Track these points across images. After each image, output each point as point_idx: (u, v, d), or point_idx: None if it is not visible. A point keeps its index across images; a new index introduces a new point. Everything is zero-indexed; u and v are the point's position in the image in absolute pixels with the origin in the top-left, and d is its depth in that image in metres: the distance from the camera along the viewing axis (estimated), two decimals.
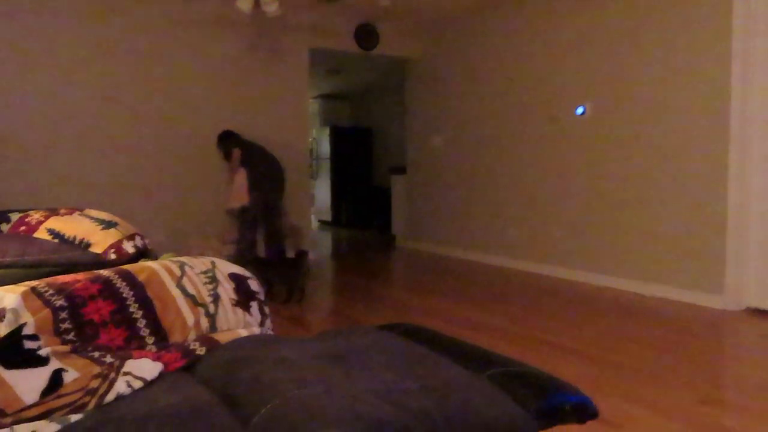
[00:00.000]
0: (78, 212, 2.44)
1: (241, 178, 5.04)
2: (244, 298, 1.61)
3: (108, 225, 2.27)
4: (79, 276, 1.50)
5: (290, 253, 5.60)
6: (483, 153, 5.96)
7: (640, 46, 4.48)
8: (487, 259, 5.92)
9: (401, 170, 7.39)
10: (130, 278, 1.51)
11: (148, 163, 5.28)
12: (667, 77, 4.31)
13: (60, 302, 1.33)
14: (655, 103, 4.39)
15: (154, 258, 2.24)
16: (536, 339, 3.30)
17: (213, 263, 1.69)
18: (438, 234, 6.61)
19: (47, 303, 1.33)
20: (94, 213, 2.45)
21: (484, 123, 5.94)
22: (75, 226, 2.31)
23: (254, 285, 1.72)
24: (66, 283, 1.44)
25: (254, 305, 1.64)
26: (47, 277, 1.71)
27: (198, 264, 1.65)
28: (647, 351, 3.08)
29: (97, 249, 2.23)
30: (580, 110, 4.93)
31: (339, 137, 9.96)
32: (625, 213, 4.63)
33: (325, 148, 10.08)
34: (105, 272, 1.51)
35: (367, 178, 10.12)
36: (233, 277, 1.63)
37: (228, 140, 5.17)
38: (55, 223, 2.34)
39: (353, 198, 9.74)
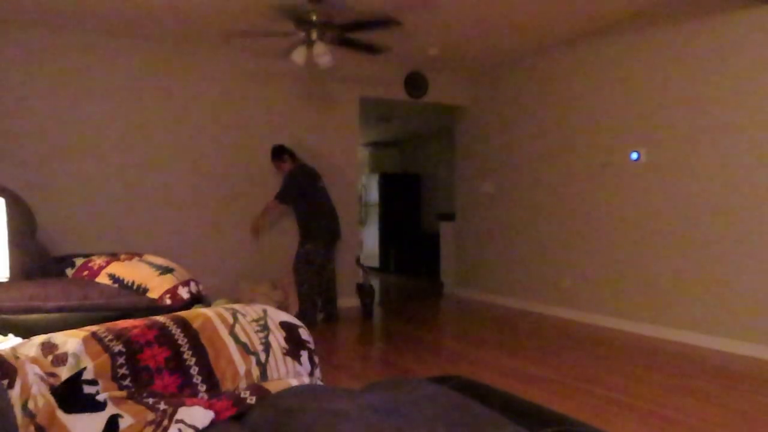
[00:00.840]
0: (138, 258, 2.53)
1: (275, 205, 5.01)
2: (294, 347, 1.62)
3: (165, 270, 2.34)
4: (137, 321, 1.54)
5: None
6: (534, 199, 5.90)
7: (700, 91, 4.38)
8: (539, 307, 5.77)
9: (450, 217, 7.37)
10: (184, 325, 1.55)
11: (207, 210, 5.44)
12: (730, 123, 4.18)
13: (118, 348, 1.37)
14: (718, 150, 4.26)
15: (208, 304, 2.29)
16: (592, 393, 3.17)
17: (264, 311, 1.72)
18: (488, 281, 6.51)
19: (106, 348, 1.36)
20: (152, 258, 2.54)
21: (536, 168, 5.89)
22: (134, 271, 2.39)
23: (305, 334, 1.73)
24: (124, 329, 1.49)
25: (304, 354, 1.64)
26: (107, 321, 1.76)
27: (250, 312, 1.67)
28: (707, 407, 2.91)
29: (153, 294, 2.29)
30: (634, 155, 4.85)
31: (388, 183, 10.06)
32: (685, 263, 4.46)
33: (374, 194, 10.19)
34: (161, 318, 1.55)
35: (415, 225, 10.14)
36: (284, 325, 1.65)
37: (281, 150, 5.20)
38: (115, 268, 2.43)
39: (401, 244, 9.74)
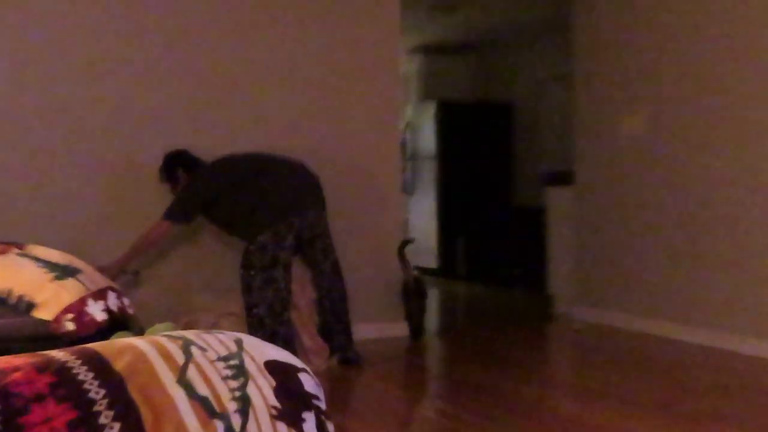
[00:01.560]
0: (15, 250, 2.57)
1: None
2: (292, 405, 1.63)
3: (63, 273, 2.38)
4: (18, 360, 1.57)
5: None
6: (715, 146, 5.80)
7: None
8: (721, 341, 5.70)
9: (564, 179, 7.31)
10: (101, 366, 1.57)
11: (138, 179, 5.56)
12: None
13: None
14: None
15: (139, 331, 2.32)
16: None
17: (239, 343, 1.74)
18: (632, 296, 6.45)
19: None
20: (42, 252, 2.58)
21: (722, 87, 5.78)
22: (8, 273, 2.43)
23: (309, 382, 1.74)
24: None
25: (309, 420, 1.65)
26: None
27: (214, 344, 1.70)
28: None
29: (44, 313, 2.33)
30: None
31: (452, 120, 10.03)
32: None
33: (428, 138, 10.16)
34: (59, 354, 1.58)
35: (502, 194, 10.10)
36: (274, 367, 1.66)
37: (172, 163, 5.42)
38: None
39: (478, 229, 9.72)
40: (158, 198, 5.44)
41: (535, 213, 9.00)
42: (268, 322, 5.05)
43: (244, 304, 5.15)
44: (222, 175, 5.27)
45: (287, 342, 5.06)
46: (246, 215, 5.22)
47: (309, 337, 5.33)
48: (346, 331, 5.45)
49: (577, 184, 7.06)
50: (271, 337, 5.05)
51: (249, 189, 5.22)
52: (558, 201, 7.37)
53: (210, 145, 5.67)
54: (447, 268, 9.94)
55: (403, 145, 10.03)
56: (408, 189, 10.30)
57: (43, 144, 5.35)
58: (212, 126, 5.77)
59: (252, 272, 5.10)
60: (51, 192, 5.37)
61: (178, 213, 5.15)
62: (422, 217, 10.25)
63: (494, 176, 10.12)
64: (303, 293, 5.39)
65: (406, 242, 6.24)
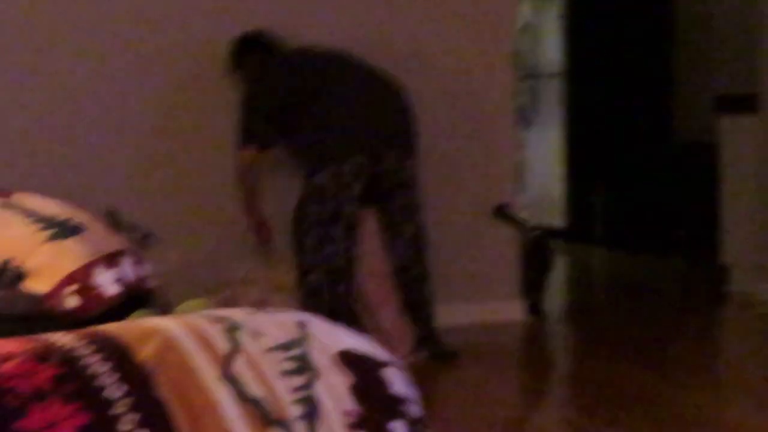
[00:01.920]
0: (0, 198, 2.61)
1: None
2: (374, 410, 1.66)
3: (63, 230, 2.42)
4: (9, 345, 1.62)
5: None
6: None
7: None
8: None
9: (744, 105, 7.21)
10: (120, 356, 1.61)
11: (165, 122, 5.74)
12: None
13: None
14: None
15: (164, 308, 2.36)
16: None
17: (303, 326, 1.77)
18: None
19: None
20: (34, 202, 2.61)
21: None
22: None
23: (397, 380, 1.77)
24: None
25: (398, 430, 1.69)
26: None
27: (269, 326, 1.73)
28: None
29: (38, 284, 2.37)
30: None
31: (587, 22, 9.90)
32: None
33: (551, 49, 10.07)
34: (64, 338, 1.63)
35: (656, 124, 9.98)
36: (350, 359, 1.69)
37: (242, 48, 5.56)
38: None
39: (622, 175, 9.63)
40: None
41: (703, 151, 8.89)
42: (327, 296, 5.12)
43: (296, 269, 5.21)
44: (284, 80, 5.35)
45: (349, 322, 5.11)
46: (303, 145, 5.24)
47: (389, 318, 5.34)
48: (426, 314, 5.46)
49: (763, 112, 6.96)
50: (332, 315, 5.11)
51: (313, 104, 5.27)
52: (735, 135, 7.28)
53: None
54: (578, 228, 9.89)
55: (517, 58, 9.94)
56: (523, 120, 10.24)
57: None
58: None
59: (305, 226, 5.16)
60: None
61: (248, 136, 5.28)
62: (543, 158, 10.20)
63: (645, 100, 9.96)
64: (382, 257, 5.40)
65: (502, 207, 6.17)
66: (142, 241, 5.45)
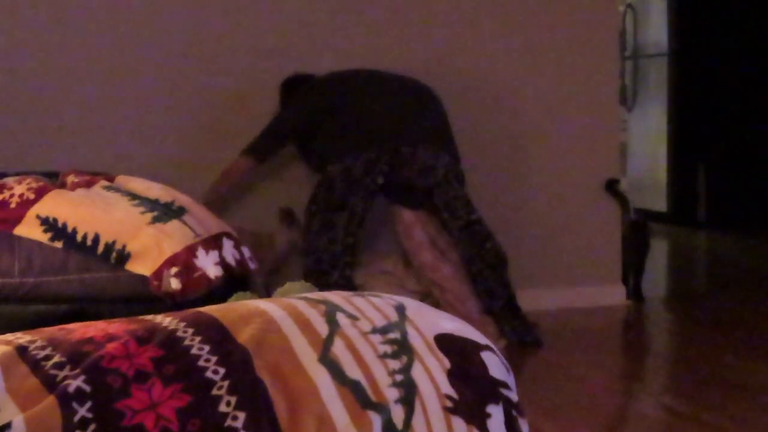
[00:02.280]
0: (103, 181, 2.65)
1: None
2: (472, 394, 1.66)
3: (166, 213, 2.45)
4: (111, 326, 1.64)
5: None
6: None
7: None
8: None
9: None
10: (219, 338, 1.63)
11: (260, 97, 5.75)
12: None
13: (76, 383, 1.46)
14: None
15: (264, 291, 2.38)
16: None
17: (401, 309, 1.77)
18: None
19: (50, 383, 1.47)
20: (138, 185, 2.65)
21: None
22: (95, 212, 2.52)
23: (495, 364, 1.77)
24: (84, 342, 1.59)
25: (496, 414, 1.68)
26: (41, 324, 1.91)
27: (368, 310, 1.73)
28: None
29: (141, 266, 2.39)
30: None
31: (693, 2, 9.76)
32: None
33: (657, 28, 9.95)
34: (164, 320, 1.65)
35: (766, 106, 9.81)
36: (448, 343, 1.69)
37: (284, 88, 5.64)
38: (54, 204, 2.57)
39: (728, 155, 9.49)
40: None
41: None
42: (319, 280, 5.15)
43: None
44: (309, 100, 5.43)
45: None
46: (325, 141, 5.39)
47: (472, 311, 5.35)
48: (505, 308, 5.42)
49: None
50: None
51: (336, 114, 5.38)
52: None
53: None
54: (682, 211, 9.75)
55: (622, 37, 9.88)
56: (627, 100, 10.15)
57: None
58: None
59: (312, 209, 5.29)
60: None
61: (251, 146, 5.37)
62: (646, 139, 10.07)
63: (753, 81, 9.80)
64: (443, 260, 5.41)
65: (613, 182, 6.14)
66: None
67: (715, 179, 9.58)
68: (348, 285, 5.25)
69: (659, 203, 9.86)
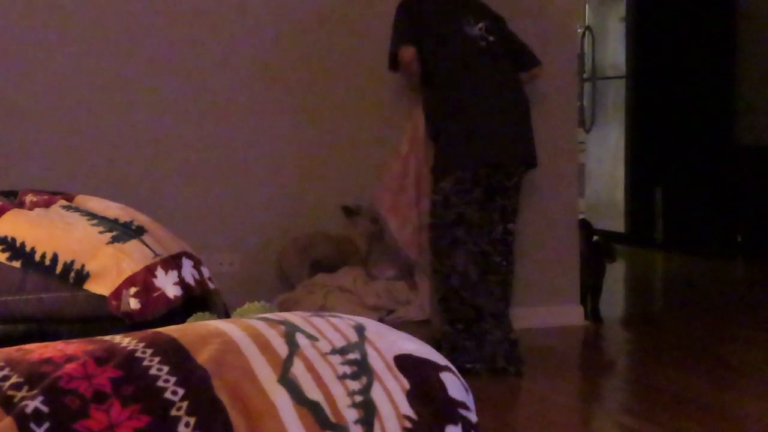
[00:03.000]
0: (62, 200, 2.63)
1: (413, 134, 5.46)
2: (431, 415, 1.66)
3: (125, 232, 2.44)
4: (69, 346, 1.64)
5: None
6: None
7: None
8: None
9: None
10: (179, 358, 1.63)
11: (209, 114, 5.79)
12: None
13: (34, 404, 1.46)
14: None
15: (223, 311, 2.38)
16: None
17: (360, 330, 1.78)
18: None
19: (7, 404, 1.46)
20: (96, 204, 2.62)
21: None
22: (54, 232, 2.50)
23: (454, 385, 1.78)
24: (42, 362, 1.59)
25: None
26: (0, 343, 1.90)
27: (327, 331, 1.74)
28: None
29: (100, 286, 2.37)
30: None
31: (650, 23, 9.83)
32: None
33: (615, 51, 10.01)
34: (123, 340, 1.65)
35: (720, 126, 9.90)
36: (407, 364, 1.70)
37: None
38: (12, 224, 2.55)
39: (684, 177, 9.55)
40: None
41: (767, 154, 8.84)
42: (456, 299, 5.20)
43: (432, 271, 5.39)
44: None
45: (470, 321, 5.19)
46: (431, 124, 5.44)
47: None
48: (505, 314, 5.40)
49: None
50: (459, 318, 5.22)
51: (438, 69, 5.35)
52: None
53: None
54: (639, 231, 9.81)
55: (579, 58, 9.91)
56: (585, 122, 10.20)
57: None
58: None
59: (436, 231, 5.31)
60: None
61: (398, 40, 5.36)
62: (604, 161, 10.13)
63: (708, 103, 9.88)
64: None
65: (588, 227, 6.24)
66: (373, 225, 5.72)
67: (672, 200, 9.65)
68: (484, 300, 5.26)
69: (617, 224, 9.92)
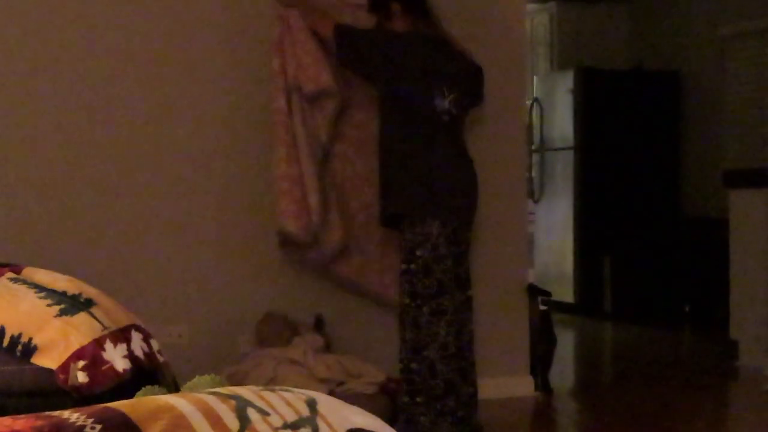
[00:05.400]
0: (10, 273, 2.60)
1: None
2: None
3: (73, 305, 2.42)
4: (16, 422, 1.63)
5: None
6: None
7: None
8: None
9: (755, 180, 7.20)
10: None
11: (166, 187, 5.80)
12: None
13: None
14: None
15: (173, 384, 2.36)
16: None
17: (312, 404, 1.77)
18: None
19: None
20: (44, 276, 2.60)
21: None
22: (1, 304, 2.49)
23: None
24: None
25: None
26: None
27: (278, 405, 1.73)
28: None
29: (47, 359, 2.35)
30: None
31: (598, 95, 9.92)
32: None
33: (562, 122, 10.08)
34: (72, 416, 1.63)
35: (666, 199, 9.99)
36: None
37: None
38: None
39: (631, 248, 9.60)
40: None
41: (713, 226, 8.89)
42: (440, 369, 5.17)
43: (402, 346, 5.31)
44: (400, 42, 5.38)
45: (445, 396, 5.17)
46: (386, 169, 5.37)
47: None
48: (473, 381, 5.41)
49: None
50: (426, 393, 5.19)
51: (401, 110, 5.32)
52: (746, 210, 7.26)
53: None
54: (587, 302, 9.84)
55: (527, 131, 9.96)
56: (534, 193, 10.25)
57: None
58: None
59: (412, 295, 5.23)
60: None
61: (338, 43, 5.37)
62: (553, 231, 10.17)
63: (655, 175, 9.96)
64: None
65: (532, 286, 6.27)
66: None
67: (620, 271, 9.70)
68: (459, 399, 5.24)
69: (566, 294, 9.94)
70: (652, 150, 9.99)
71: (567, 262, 9.96)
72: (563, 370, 7.11)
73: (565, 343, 7.99)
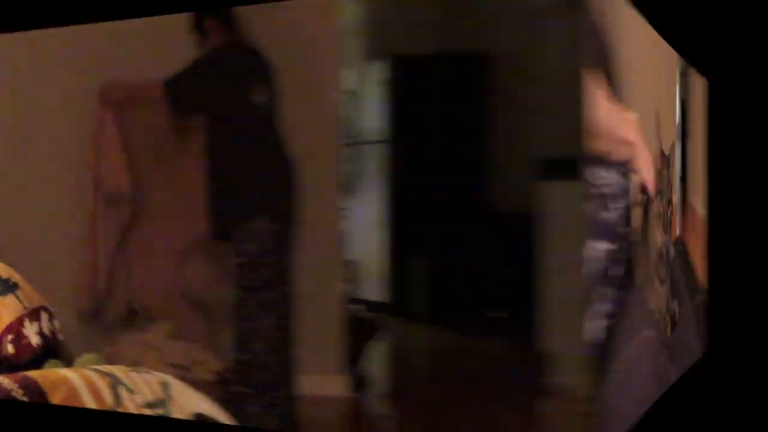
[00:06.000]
0: None
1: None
2: None
3: (5, 286, 2.74)
4: None
5: None
6: None
7: None
8: None
9: (570, 170, 5.54)
10: (39, 398, 2.00)
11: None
12: None
13: None
14: None
15: (67, 359, 2.73)
16: None
17: (166, 387, 2.13)
18: None
19: None
20: None
21: None
22: None
23: None
24: None
25: None
26: None
27: (141, 385, 2.10)
28: None
29: None
30: None
31: (408, 86, 8.76)
32: None
33: (373, 115, 8.85)
34: (3, 381, 2.05)
35: (476, 192, 8.57)
36: (201, 421, 2.05)
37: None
38: None
39: (441, 246, 8.78)
40: None
41: (525, 221, 7.79)
42: (272, 361, 5.34)
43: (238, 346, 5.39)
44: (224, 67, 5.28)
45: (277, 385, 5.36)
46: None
47: None
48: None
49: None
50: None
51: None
52: (559, 203, 6.54)
53: None
54: (400, 301, 8.61)
55: (340, 124, 8.52)
56: (349, 187, 8.81)
57: None
58: None
59: (242, 298, 5.34)
60: None
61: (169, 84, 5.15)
62: (367, 227, 9.09)
63: (466, 167, 8.46)
64: None
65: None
66: None
67: (432, 270, 8.92)
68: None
69: (379, 293, 9.39)
70: (462, 141, 8.72)
71: (380, 260, 9.22)
72: (378, 371, 6.79)
73: (379, 343, 7.31)
